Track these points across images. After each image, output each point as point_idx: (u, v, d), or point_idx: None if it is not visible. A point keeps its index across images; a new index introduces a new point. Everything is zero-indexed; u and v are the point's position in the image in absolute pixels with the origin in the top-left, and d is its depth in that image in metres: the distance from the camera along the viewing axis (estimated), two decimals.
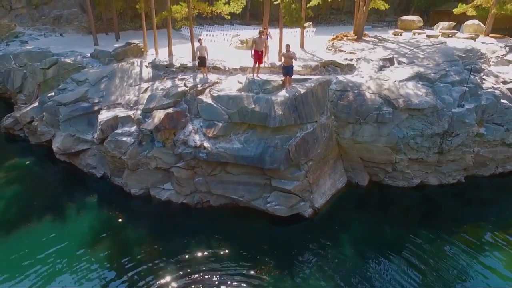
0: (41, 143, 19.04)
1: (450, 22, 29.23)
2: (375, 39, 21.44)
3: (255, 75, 14.94)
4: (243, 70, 16.67)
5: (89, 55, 21.24)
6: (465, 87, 15.69)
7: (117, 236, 13.23)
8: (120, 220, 14.23)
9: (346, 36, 22.69)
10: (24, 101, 22.23)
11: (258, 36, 14.78)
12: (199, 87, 15.35)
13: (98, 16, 30.06)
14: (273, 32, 22.37)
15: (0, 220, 13.95)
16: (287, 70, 14.08)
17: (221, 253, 12.41)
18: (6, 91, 24.01)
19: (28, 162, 18.19)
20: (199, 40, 16.22)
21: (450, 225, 14.01)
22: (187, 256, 12.21)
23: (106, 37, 28.94)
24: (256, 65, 14.98)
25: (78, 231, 13.37)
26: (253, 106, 13.44)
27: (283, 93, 13.95)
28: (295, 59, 14.31)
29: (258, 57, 14.70)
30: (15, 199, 15.23)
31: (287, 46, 14.19)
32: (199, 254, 12.34)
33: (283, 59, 14.13)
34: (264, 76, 15.00)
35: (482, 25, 26.21)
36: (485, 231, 13.81)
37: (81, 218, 14.18)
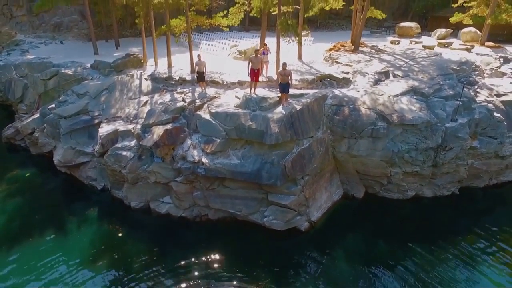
0: (42, 153, 19.35)
1: (447, 29, 29.61)
2: (372, 50, 21.70)
3: (252, 91, 15.20)
4: (241, 84, 16.93)
5: (89, 65, 21.47)
6: (458, 102, 15.97)
7: (118, 250, 13.56)
8: (120, 233, 14.56)
9: (344, 46, 22.97)
10: (25, 111, 22.53)
11: (254, 55, 15.03)
12: (198, 102, 15.65)
13: (98, 23, 30.28)
14: (272, 41, 22.66)
15: (3, 233, 14.30)
16: (283, 87, 14.37)
17: (219, 266, 12.79)
18: (8, 99, 24.28)
19: (29, 173, 18.50)
20: (198, 56, 16.48)
21: (445, 237, 14.34)
22: (185, 269, 12.59)
23: (106, 45, 29.16)
24: (253, 82, 15.22)
25: (79, 245, 13.71)
26: (250, 123, 13.74)
27: (279, 110, 14.25)
28: (291, 79, 14.56)
29: (255, 75, 14.98)
30: (17, 212, 15.55)
31: (284, 64, 14.47)
32: (197, 267, 12.72)
33: (280, 77, 14.39)
34: (261, 93, 15.26)
35: (478, 32, 26.50)
36: (480, 242, 14.18)
37: (82, 231, 14.49)
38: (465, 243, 14.14)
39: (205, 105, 15.46)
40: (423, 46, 22.86)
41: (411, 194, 16.35)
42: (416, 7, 38.57)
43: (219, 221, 14.91)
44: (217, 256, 13.15)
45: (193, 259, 13.03)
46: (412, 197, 16.39)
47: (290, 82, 14.41)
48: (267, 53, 17.28)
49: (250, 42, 24.89)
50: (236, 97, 15.66)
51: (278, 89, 14.76)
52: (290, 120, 13.93)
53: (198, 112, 15.16)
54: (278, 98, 14.79)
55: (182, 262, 12.87)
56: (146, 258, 13.11)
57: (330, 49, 22.56)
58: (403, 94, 16.13)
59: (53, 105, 18.99)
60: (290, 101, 14.88)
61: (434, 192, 16.56)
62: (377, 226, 15.01)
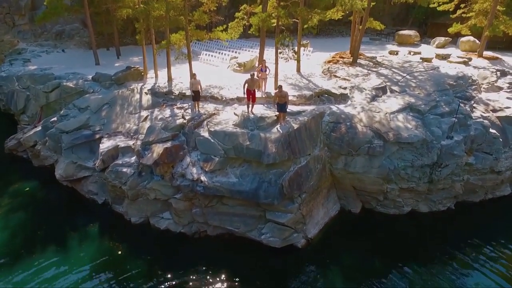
0: (43, 165, 19.63)
1: (446, 38, 29.78)
2: (370, 63, 21.87)
3: (249, 110, 15.43)
4: (239, 100, 17.15)
5: (90, 78, 21.71)
6: (454, 119, 16.16)
7: (118, 264, 13.86)
8: (121, 248, 14.83)
9: (342, 57, 23.16)
10: (27, 122, 22.84)
11: (250, 78, 15.26)
12: (197, 119, 15.89)
13: (99, 32, 30.51)
14: (271, 52, 22.83)
15: (5, 247, 14.61)
16: (280, 107, 14.59)
17: (217, 282, 13.09)
18: (10, 110, 24.56)
19: (31, 186, 18.76)
20: (194, 75, 16.71)
21: (440, 252, 14.59)
22: (183, 285, 12.92)
23: (107, 53, 29.44)
24: (250, 103, 15.46)
25: (80, 260, 14.02)
26: (248, 143, 13.99)
27: (277, 129, 14.48)
28: (288, 100, 14.79)
29: (251, 94, 15.22)
30: (19, 226, 15.85)
31: (280, 86, 14.69)
32: (196, 282, 13.06)
33: (276, 98, 14.61)
34: (259, 112, 15.49)
35: (477, 41, 26.65)
36: (476, 256, 14.41)
37: (82, 246, 14.78)
38: (461, 258, 14.37)
39: (205, 122, 15.70)
40: (421, 58, 23.01)
41: (407, 209, 16.57)
42: (416, 14, 38.62)
43: (217, 238, 15.16)
44: (215, 272, 13.41)
45: (191, 275, 13.33)
46: (408, 212, 16.61)
47: (286, 102, 14.63)
48: (265, 70, 17.46)
49: (249, 54, 25.04)
50: (235, 114, 15.91)
51: (276, 108, 14.99)
52: (288, 140, 14.17)
53: (197, 130, 15.40)
54: (275, 117, 15.02)
55: (181, 278, 13.18)
56: (145, 274, 13.39)
57: (329, 61, 22.74)
58: (400, 111, 16.33)
59: (55, 119, 19.26)
60: (287, 119, 15.10)
61: (430, 208, 16.77)
62: (374, 241, 15.22)
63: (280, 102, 14.46)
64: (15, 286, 12.81)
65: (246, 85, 15.14)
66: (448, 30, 26.90)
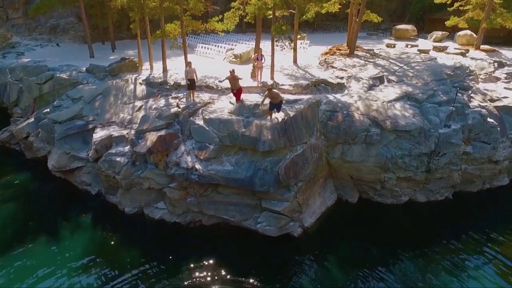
0: (36, 157, 19.33)
1: (444, 32, 29.71)
2: (367, 54, 21.73)
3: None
4: None
5: (84, 69, 21.44)
6: (452, 107, 16.00)
7: (111, 255, 13.59)
8: (114, 238, 14.55)
9: (339, 49, 23.00)
10: (20, 114, 22.48)
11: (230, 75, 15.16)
12: (192, 107, 15.66)
13: (94, 26, 30.23)
14: (268, 44, 22.69)
15: None
16: (273, 106, 14.15)
17: (212, 272, 12.81)
18: (3, 103, 24.24)
19: (24, 177, 18.46)
20: (189, 63, 16.49)
21: (438, 242, 14.41)
22: (178, 275, 12.66)
23: (102, 47, 29.12)
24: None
25: (73, 251, 13.72)
26: (243, 130, 13.78)
27: (272, 116, 14.25)
28: (283, 99, 14.51)
29: (234, 95, 15.24)
30: (11, 218, 15.53)
31: (270, 88, 14.23)
32: (190, 272, 12.78)
33: (271, 99, 14.08)
34: (254, 99, 15.29)
35: (474, 35, 26.58)
36: (473, 246, 14.24)
37: (76, 237, 14.49)
38: (459, 248, 14.19)
39: (199, 111, 15.48)
40: (418, 50, 22.90)
41: (404, 199, 16.40)
42: (413, 9, 38.61)
43: (212, 227, 14.93)
44: (210, 263, 13.17)
45: (186, 265, 13.07)
46: (405, 202, 16.44)
47: (281, 101, 14.23)
48: (261, 59, 17.25)
49: (246, 45, 24.85)
50: (230, 102, 15.71)
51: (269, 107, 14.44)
52: (284, 127, 13.96)
53: (192, 118, 15.18)
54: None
55: (176, 268, 12.91)
56: (139, 264, 13.11)
57: (326, 53, 22.60)
58: (397, 99, 16.15)
59: (48, 110, 18.97)
60: (284, 107, 14.79)
61: (427, 197, 16.60)
62: (371, 231, 15.03)
63: (274, 102, 14.04)
64: (7, 278, 12.50)
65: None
66: (445, 23, 26.78)
